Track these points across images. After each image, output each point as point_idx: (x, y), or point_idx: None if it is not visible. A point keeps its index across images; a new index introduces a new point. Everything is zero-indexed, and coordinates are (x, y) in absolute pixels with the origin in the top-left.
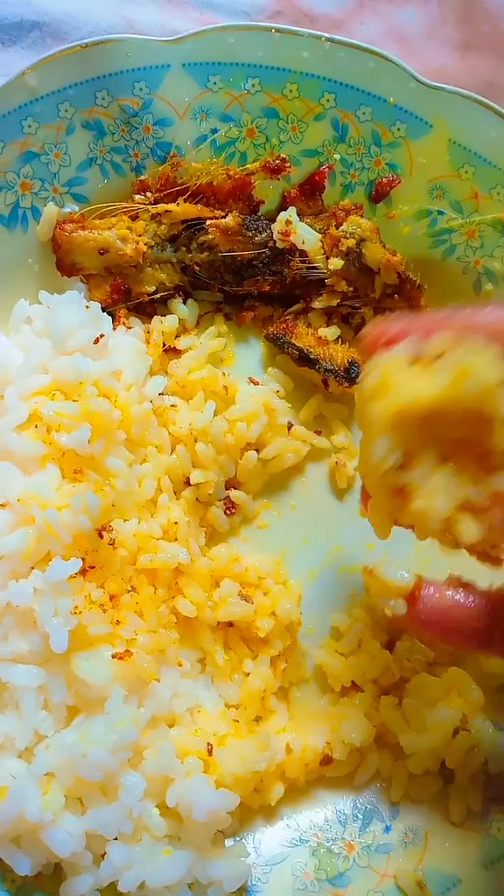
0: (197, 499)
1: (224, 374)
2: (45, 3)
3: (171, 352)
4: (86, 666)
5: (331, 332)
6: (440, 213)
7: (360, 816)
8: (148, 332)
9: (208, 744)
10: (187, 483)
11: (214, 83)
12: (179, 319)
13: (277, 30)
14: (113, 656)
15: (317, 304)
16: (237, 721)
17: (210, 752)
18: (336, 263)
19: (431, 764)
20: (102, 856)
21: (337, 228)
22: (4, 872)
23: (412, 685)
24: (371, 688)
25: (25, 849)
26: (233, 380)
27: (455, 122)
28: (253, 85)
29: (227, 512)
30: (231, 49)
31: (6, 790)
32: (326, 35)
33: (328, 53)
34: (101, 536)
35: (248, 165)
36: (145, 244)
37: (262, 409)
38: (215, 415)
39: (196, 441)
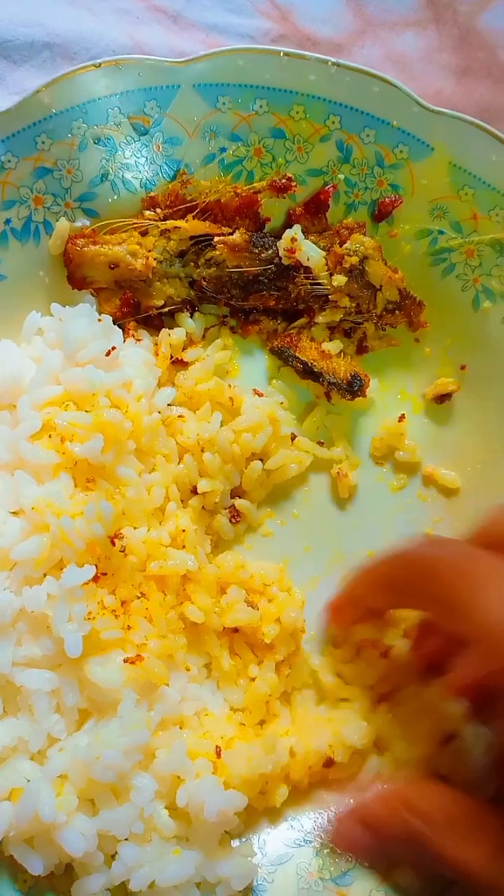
0: (203, 507)
1: (230, 385)
2: (56, 24)
3: (178, 363)
4: (98, 670)
5: (334, 346)
6: (440, 232)
7: None
8: (156, 345)
9: (217, 746)
10: (194, 492)
11: (223, 103)
12: (186, 332)
13: (286, 53)
14: (125, 661)
15: (320, 319)
16: (243, 724)
17: (218, 755)
18: (339, 280)
19: (427, 771)
20: (113, 856)
21: (340, 246)
22: (16, 873)
23: (404, 694)
24: (369, 693)
25: (38, 849)
26: (238, 391)
27: (456, 145)
28: (261, 106)
29: (233, 520)
30: (240, 71)
31: (21, 792)
32: (333, 59)
33: (334, 77)
34: (113, 544)
35: (255, 184)
36: (155, 259)
37: (266, 419)
38: (221, 425)
39: (203, 451)
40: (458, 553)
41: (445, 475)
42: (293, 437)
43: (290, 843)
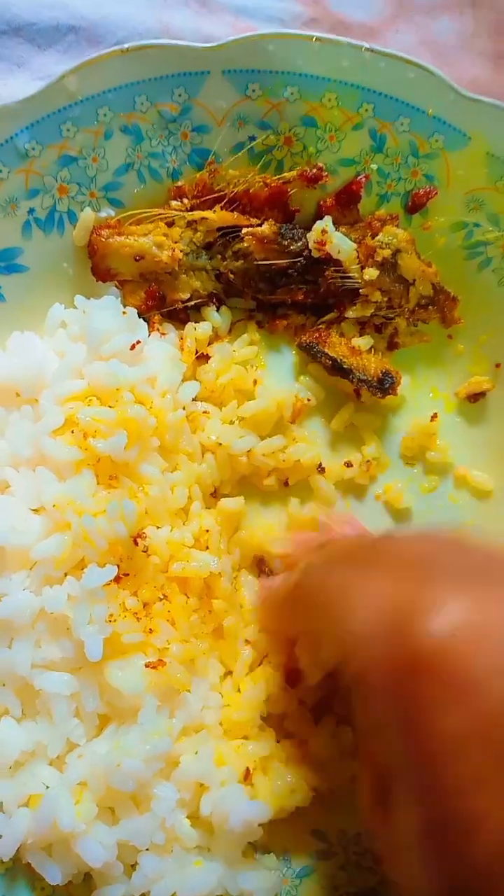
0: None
1: (252, 367)
2: (81, 6)
3: (203, 358)
4: (119, 675)
5: (364, 342)
6: (476, 225)
7: None
8: (182, 339)
9: (247, 768)
10: (214, 495)
11: (253, 90)
12: (213, 327)
13: (318, 38)
14: (146, 665)
15: (350, 314)
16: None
17: (247, 777)
18: (371, 273)
19: None
20: (133, 866)
21: (372, 238)
22: (34, 881)
23: None
24: None
25: (57, 858)
26: (261, 375)
27: (493, 134)
28: (292, 93)
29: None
30: (271, 57)
31: (39, 798)
32: (367, 45)
33: (368, 63)
34: (136, 544)
35: (284, 174)
36: (181, 251)
37: (274, 404)
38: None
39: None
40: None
41: (478, 477)
42: (321, 468)
43: (315, 857)
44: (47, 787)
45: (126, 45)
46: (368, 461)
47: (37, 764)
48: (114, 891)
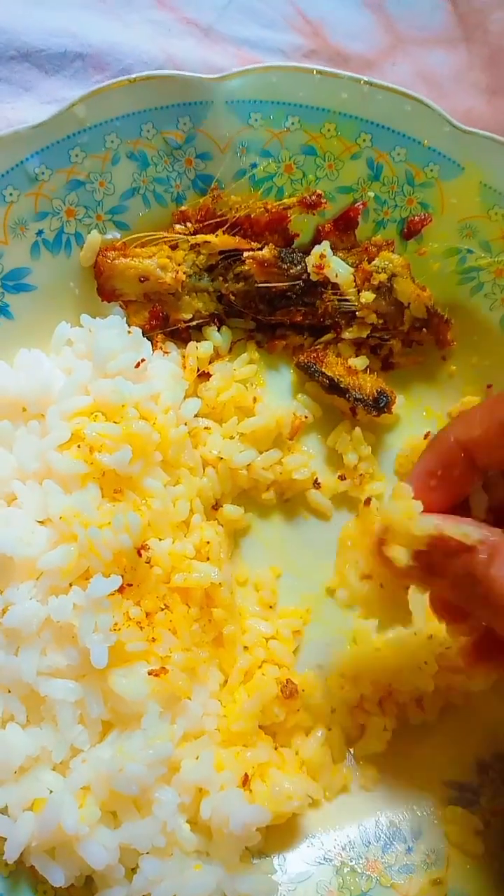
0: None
1: (252, 385)
2: (89, 34)
3: (204, 376)
4: (123, 682)
5: (360, 362)
6: (469, 251)
7: (384, 837)
8: (184, 357)
9: (246, 774)
10: (215, 508)
11: (256, 120)
12: (214, 346)
13: (318, 71)
14: (149, 673)
15: (347, 335)
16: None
17: (245, 783)
18: (367, 297)
19: None
20: (133, 869)
21: (369, 263)
22: (37, 884)
23: None
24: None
25: (60, 861)
26: (261, 393)
27: (486, 165)
28: (293, 123)
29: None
30: (273, 88)
31: (43, 802)
32: (365, 78)
33: (366, 95)
34: (139, 555)
35: (284, 200)
36: (184, 273)
37: (274, 421)
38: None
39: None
40: None
41: None
42: (316, 483)
43: (310, 861)
44: (51, 792)
45: (133, 76)
46: (361, 475)
47: (41, 769)
48: (115, 893)
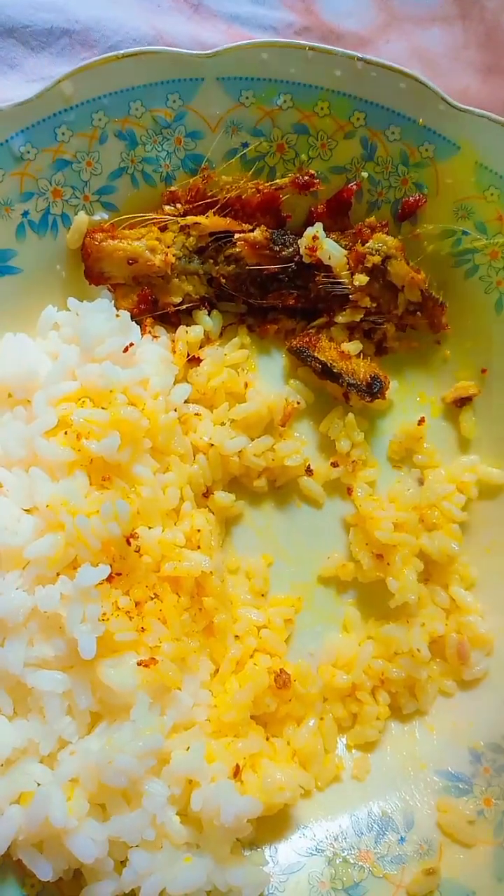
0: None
1: (243, 370)
2: (76, 10)
3: (194, 361)
4: (112, 673)
5: (353, 346)
6: (464, 233)
7: (376, 827)
8: (174, 342)
9: (237, 765)
10: (206, 495)
11: (247, 98)
12: (204, 330)
13: (311, 48)
14: (139, 664)
15: (340, 319)
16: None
17: (237, 774)
18: (361, 279)
19: None
20: (122, 862)
21: (363, 245)
22: (24, 877)
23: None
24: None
25: (48, 854)
26: (252, 378)
27: (483, 144)
28: (285, 101)
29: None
30: (265, 65)
31: (31, 795)
32: (359, 55)
33: (360, 73)
34: (128, 543)
35: (277, 180)
36: (173, 255)
37: (265, 408)
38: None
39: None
40: None
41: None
42: (309, 470)
43: (302, 852)
44: (39, 784)
45: (121, 52)
46: (354, 461)
47: (28, 761)
48: (104, 887)
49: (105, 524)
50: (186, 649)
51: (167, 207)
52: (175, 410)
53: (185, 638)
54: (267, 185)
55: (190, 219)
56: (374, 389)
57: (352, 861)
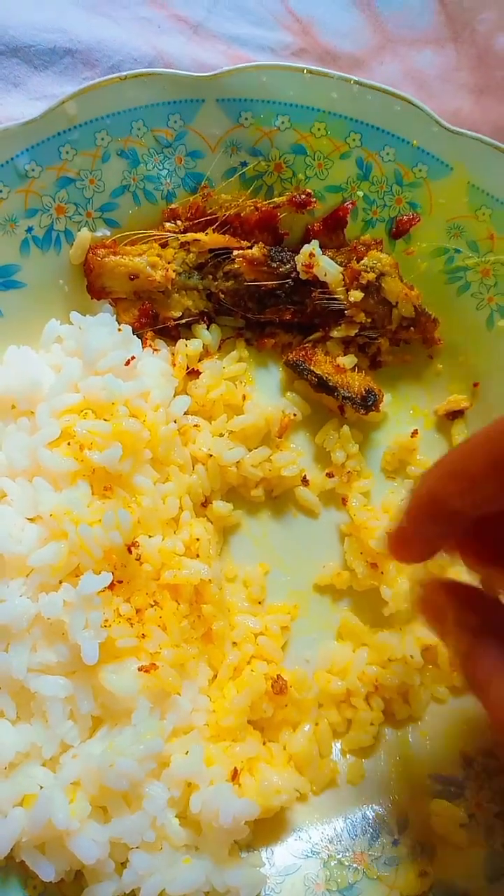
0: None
1: (241, 383)
2: (79, 30)
3: (194, 374)
4: (113, 678)
5: (348, 360)
6: (457, 251)
7: (370, 829)
8: (173, 355)
9: (235, 768)
10: (204, 504)
11: (246, 118)
12: (203, 344)
13: (309, 71)
14: (139, 669)
15: (335, 334)
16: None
17: (234, 777)
18: (356, 295)
19: None
20: (123, 864)
21: (358, 262)
22: (26, 878)
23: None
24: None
25: (50, 856)
26: (250, 391)
27: (474, 165)
28: (283, 122)
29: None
30: (264, 87)
31: (34, 798)
32: (355, 78)
33: (356, 95)
34: (129, 552)
35: (274, 199)
36: (174, 271)
37: (263, 420)
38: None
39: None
40: None
41: None
42: (305, 480)
43: (297, 855)
44: (41, 787)
45: (124, 73)
46: (349, 472)
47: (31, 765)
48: (105, 888)
49: (107, 533)
50: (186, 655)
51: (168, 224)
52: (175, 422)
53: (185, 644)
54: (265, 203)
55: (190, 235)
56: (368, 402)
57: (346, 863)
